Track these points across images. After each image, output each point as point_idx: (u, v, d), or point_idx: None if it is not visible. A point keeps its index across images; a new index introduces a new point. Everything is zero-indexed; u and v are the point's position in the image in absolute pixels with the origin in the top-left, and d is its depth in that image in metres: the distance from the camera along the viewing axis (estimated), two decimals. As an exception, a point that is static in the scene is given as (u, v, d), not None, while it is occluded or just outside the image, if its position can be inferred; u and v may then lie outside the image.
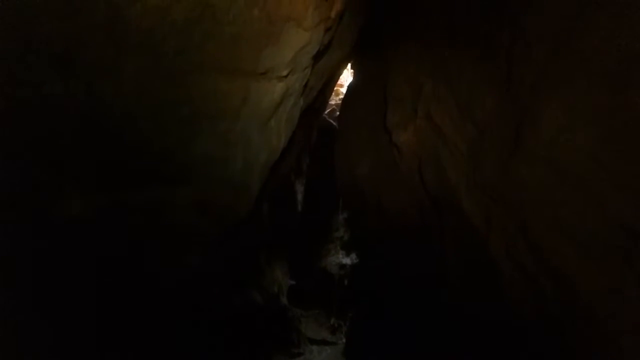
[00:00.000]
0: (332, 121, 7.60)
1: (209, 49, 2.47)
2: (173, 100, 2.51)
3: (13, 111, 1.95)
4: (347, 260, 6.57)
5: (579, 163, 2.32)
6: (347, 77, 8.92)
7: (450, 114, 3.50)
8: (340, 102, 7.51)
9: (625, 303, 2.16)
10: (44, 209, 2.25)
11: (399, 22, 4.56)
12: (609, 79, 2.13)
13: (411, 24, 4.27)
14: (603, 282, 2.25)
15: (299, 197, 6.59)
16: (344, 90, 8.78)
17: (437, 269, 3.85)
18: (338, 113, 6.97)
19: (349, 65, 6.60)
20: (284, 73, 3.07)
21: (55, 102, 2.06)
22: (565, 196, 2.43)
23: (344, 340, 5.61)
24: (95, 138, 2.32)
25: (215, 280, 3.83)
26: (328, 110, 7.89)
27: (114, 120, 2.35)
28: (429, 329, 3.97)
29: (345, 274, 6.40)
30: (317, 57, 3.58)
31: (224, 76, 2.65)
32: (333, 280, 6.35)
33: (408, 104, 4.17)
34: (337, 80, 6.52)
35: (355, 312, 5.67)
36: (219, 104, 2.74)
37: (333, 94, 7.67)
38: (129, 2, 2.08)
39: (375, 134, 4.89)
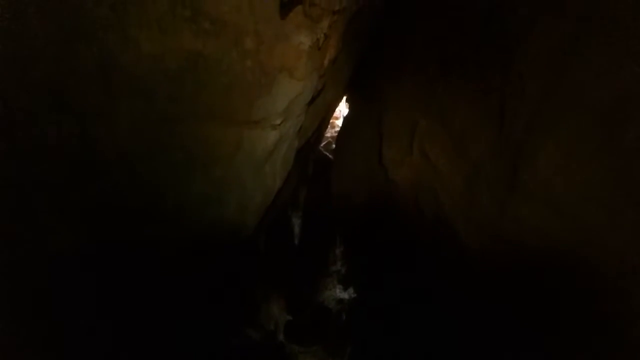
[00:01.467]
0: (327, 154, 7.60)
1: (202, 97, 2.48)
2: (167, 145, 2.50)
3: (8, 153, 1.94)
4: (344, 295, 6.46)
5: (576, 202, 2.30)
6: (342, 109, 8.98)
7: (446, 150, 3.50)
8: (335, 134, 7.53)
9: (625, 339, 2.13)
10: (37, 243, 2.21)
11: (392, 58, 4.62)
12: (606, 115, 2.09)
13: (404, 60, 4.32)
14: (603, 318, 2.23)
15: (296, 230, 6.55)
16: (339, 122, 8.84)
17: (436, 304, 3.80)
18: (334, 146, 6.98)
19: (344, 98, 6.65)
20: (278, 122, 3.07)
21: (49, 144, 2.05)
22: (564, 235, 2.40)
23: (342, 377, 5.48)
24: (89, 180, 2.29)
25: (211, 317, 3.76)
26: (324, 143, 7.91)
27: (108, 163, 2.33)
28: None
29: (343, 308, 6.29)
30: (311, 103, 3.59)
31: (218, 124, 2.65)
32: (331, 316, 6.23)
33: (403, 140, 4.19)
34: (332, 115, 6.56)
35: (353, 348, 5.56)
36: (213, 150, 2.73)
37: (329, 126, 7.71)
38: (123, 49, 2.10)
39: (371, 167, 4.89)
